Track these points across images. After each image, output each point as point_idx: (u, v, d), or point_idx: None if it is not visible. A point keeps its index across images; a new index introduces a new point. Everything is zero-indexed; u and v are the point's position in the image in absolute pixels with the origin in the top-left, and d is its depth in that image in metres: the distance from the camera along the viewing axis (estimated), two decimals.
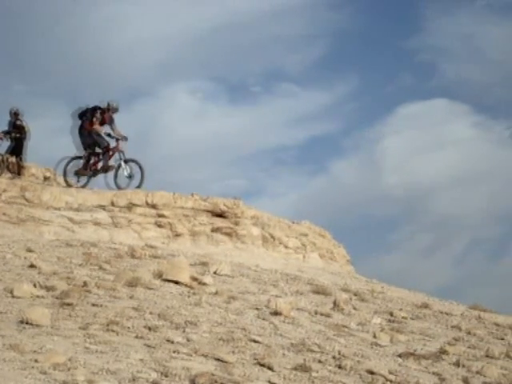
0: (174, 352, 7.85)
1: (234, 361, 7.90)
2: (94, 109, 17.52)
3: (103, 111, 17.53)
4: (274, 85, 65.87)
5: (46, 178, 19.10)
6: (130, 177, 17.25)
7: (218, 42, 59.38)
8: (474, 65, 59.59)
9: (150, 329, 8.59)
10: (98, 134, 17.46)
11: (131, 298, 10.06)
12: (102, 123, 17.55)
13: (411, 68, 60.73)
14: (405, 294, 15.84)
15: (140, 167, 17.25)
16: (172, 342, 8.20)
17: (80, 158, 17.70)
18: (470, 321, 13.08)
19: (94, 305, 9.33)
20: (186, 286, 11.37)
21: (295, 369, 8.04)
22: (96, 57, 55.53)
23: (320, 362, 8.56)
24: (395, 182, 52.55)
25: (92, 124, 17.37)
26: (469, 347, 10.67)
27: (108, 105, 17.59)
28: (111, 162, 17.56)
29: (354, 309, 12.18)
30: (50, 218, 15.50)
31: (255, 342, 8.87)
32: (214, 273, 12.95)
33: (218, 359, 7.84)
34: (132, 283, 10.68)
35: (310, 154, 58.76)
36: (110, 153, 17.58)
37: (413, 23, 61.69)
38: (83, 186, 17.59)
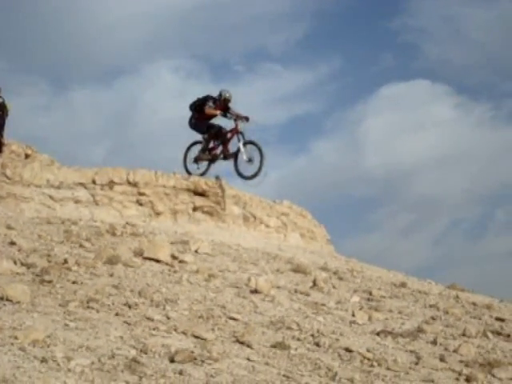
0: (154, 329, 7.89)
1: (213, 338, 7.96)
2: (205, 98, 16.59)
3: (215, 100, 16.53)
4: (256, 64, 66.02)
5: (27, 156, 18.99)
6: (250, 160, 16.07)
7: (201, 20, 59.22)
8: (456, 46, 59.89)
9: (129, 306, 8.62)
10: (209, 119, 16.50)
11: (111, 275, 10.07)
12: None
13: (393, 49, 61.02)
14: (383, 273, 15.97)
15: (259, 150, 15.97)
16: (151, 320, 8.24)
17: (200, 142, 16.87)
18: (448, 300, 13.21)
19: (73, 282, 9.34)
20: (166, 264, 11.39)
21: (274, 346, 8.11)
22: (78, 34, 55.24)
23: (298, 339, 8.64)
24: (376, 163, 52.89)
25: (203, 112, 16.42)
26: (446, 326, 10.78)
27: (220, 95, 16.60)
28: (231, 147, 16.55)
29: (333, 287, 12.27)
30: (30, 195, 15.43)
31: (234, 319, 8.93)
32: (195, 251, 12.99)
33: (197, 337, 7.89)
34: (112, 261, 10.68)
35: (291, 133, 59.01)
36: (228, 135, 16.53)
37: (395, 4, 61.96)
38: (202, 174, 16.93)
